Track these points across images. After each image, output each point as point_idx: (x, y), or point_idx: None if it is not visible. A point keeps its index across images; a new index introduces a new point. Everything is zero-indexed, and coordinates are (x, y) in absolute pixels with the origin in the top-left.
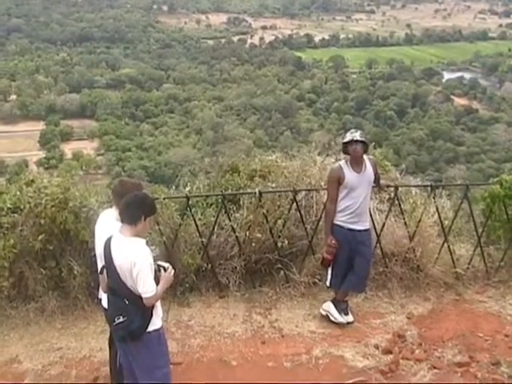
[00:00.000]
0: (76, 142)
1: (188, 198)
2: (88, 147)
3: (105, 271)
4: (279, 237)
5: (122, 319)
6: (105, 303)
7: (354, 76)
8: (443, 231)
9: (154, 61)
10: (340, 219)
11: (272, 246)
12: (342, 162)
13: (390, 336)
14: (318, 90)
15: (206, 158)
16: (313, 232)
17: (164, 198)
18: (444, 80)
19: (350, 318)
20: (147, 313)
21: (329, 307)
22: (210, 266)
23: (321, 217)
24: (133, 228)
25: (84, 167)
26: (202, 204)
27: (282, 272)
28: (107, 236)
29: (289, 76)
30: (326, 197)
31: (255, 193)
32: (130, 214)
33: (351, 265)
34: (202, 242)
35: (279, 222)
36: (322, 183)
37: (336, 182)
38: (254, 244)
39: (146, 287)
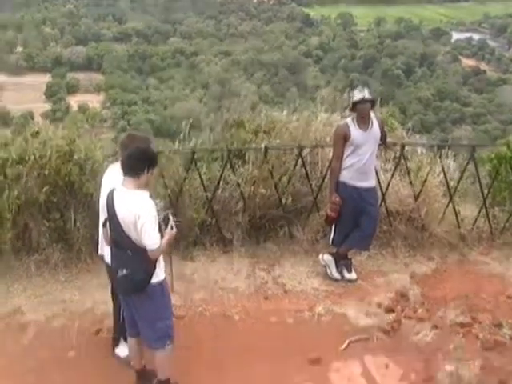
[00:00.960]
0: (82, 95)
1: (193, 152)
2: (94, 100)
3: (108, 224)
4: (284, 193)
5: (125, 271)
6: (107, 257)
7: (362, 34)
8: (449, 191)
9: (161, 14)
10: (345, 177)
11: (276, 202)
12: (349, 120)
13: (392, 295)
14: (326, 47)
15: (211, 112)
16: (318, 189)
17: (169, 152)
18: (452, 40)
19: (353, 275)
20: (150, 265)
21: (329, 260)
22: (214, 220)
23: (326, 174)
24: (136, 180)
25: (89, 120)
26: (208, 158)
27: (286, 228)
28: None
29: (296, 32)
30: (331, 154)
31: (261, 148)
32: (133, 167)
33: (356, 223)
34: (207, 196)
35: (284, 178)
36: (328, 139)
37: (342, 139)
38: (258, 200)
39: (151, 240)
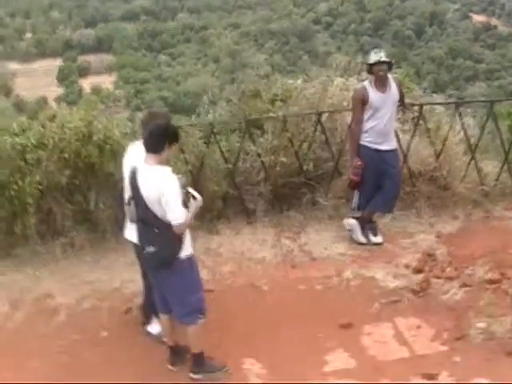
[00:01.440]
0: (94, 77)
1: (212, 125)
2: (106, 81)
3: (132, 202)
4: (305, 160)
5: (152, 248)
6: (130, 235)
7: None
8: (470, 148)
9: None
10: (366, 140)
11: (298, 170)
12: (366, 83)
13: (420, 255)
14: (335, 13)
15: (225, 85)
16: (338, 154)
17: (188, 125)
18: None
19: (378, 238)
20: (177, 241)
21: (354, 225)
22: (236, 192)
23: (346, 138)
24: (157, 157)
25: (104, 101)
26: (226, 131)
27: (308, 195)
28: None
29: None
30: (349, 118)
31: (279, 117)
32: (154, 143)
33: (379, 186)
34: (228, 168)
35: (304, 145)
36: (345, 103)
37: (360, 102)
38: (279, 168)
39: (176, 214)
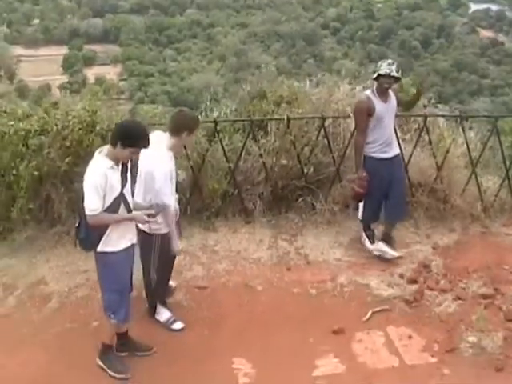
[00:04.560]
0: (99, 67)
1: (216, 123)
2: (111, 72)
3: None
4: (306, 164)
5: (77, 224)
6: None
7: (380, 5)
8: (471, 162)
9: None
10: (370, 150)
11: (299, 173)
12: (369, 92)
13: (415, 266)
14: (343, 19)
15: (229, 84)
16: (340, 159)
17: None
18: (470, 11)
19: (395, 252)
20: (95, 231)
21: (381, 247)
22: (236, 191)
23: (348, 144)
24: (111, 149)
25: (107, 92)
26: (229, 129)
27: (308, 199)
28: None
29: (314, 4)
30: (353, 125)
31: (283, 119)
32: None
33: (385, 196)
34: (229, 167)
35: (306, 148)
36: (348, 108)
37: (365, 113)
38: (280, 170)
39: (87, 205)
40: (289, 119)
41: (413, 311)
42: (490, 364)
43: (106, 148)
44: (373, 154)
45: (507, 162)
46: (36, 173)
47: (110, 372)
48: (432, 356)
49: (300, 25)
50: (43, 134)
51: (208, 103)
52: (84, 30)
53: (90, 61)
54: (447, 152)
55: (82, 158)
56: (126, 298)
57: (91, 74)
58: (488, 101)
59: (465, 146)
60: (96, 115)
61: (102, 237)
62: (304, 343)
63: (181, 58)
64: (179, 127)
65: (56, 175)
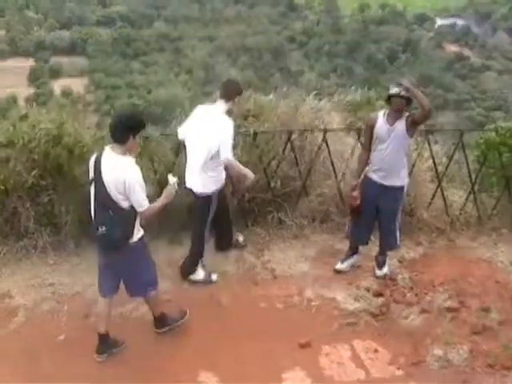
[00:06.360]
0: (65, 79)
1: None
2: (78, 84)
3: (93, 183)
4: (273, 177)
5: (104, 229)
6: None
7: (347, 19)
8: (437, 176)
9: None
10: (370, 171)
11: (265, 187)
12: (381, 112)
13: (381, 279)
14: (310, 33)
15: (196, 97)
16: (306, 173)
17: (161, 134)
18: (436, 26)
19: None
20: (129, 224)
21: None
22: None
23: (315, 157)
24: (123, 146)
25: (73, 104)
26: None
27: (274, 213)
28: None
29: (280, 17)
30: (320, 138)
31: (250, 133)
32: (119, 133)
33: (374, 217)
34: None
35: (273, 162)
36: (316, 122)
37: (369, 129)
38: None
39: (138, 202)
40: (255, 133)
41: (379, 324)
42: (457, 377)
43: (115, 151)
44: (368, 174)
45: (473, 176)
46: (2, 186)
47: (177, 323)
48: (398, 369)
49: (267, 38)
50: (9, 147)
51: (180, 117)
52: (51, 42)
53: (56, 73)
54: (413, 166)
55: (49, 170)
56: None
57: (58, 86)
58: (453, 115)
59: (431, 159)
60: (63, 128)
61: (134, 228)
62: (271, 357)
63: (148, 71)
64: (232, 92)
65: (23, 188)
